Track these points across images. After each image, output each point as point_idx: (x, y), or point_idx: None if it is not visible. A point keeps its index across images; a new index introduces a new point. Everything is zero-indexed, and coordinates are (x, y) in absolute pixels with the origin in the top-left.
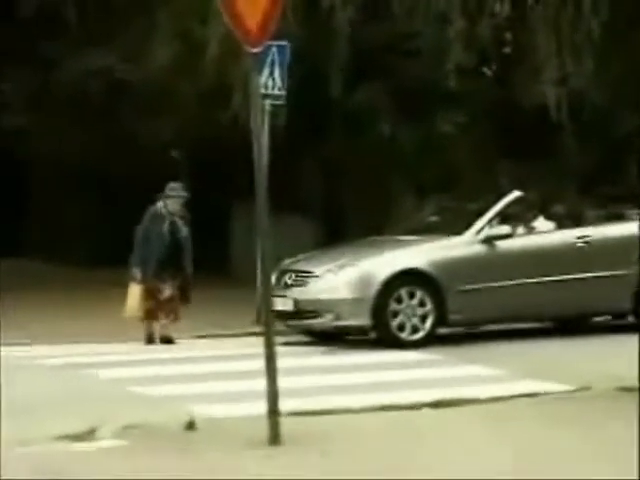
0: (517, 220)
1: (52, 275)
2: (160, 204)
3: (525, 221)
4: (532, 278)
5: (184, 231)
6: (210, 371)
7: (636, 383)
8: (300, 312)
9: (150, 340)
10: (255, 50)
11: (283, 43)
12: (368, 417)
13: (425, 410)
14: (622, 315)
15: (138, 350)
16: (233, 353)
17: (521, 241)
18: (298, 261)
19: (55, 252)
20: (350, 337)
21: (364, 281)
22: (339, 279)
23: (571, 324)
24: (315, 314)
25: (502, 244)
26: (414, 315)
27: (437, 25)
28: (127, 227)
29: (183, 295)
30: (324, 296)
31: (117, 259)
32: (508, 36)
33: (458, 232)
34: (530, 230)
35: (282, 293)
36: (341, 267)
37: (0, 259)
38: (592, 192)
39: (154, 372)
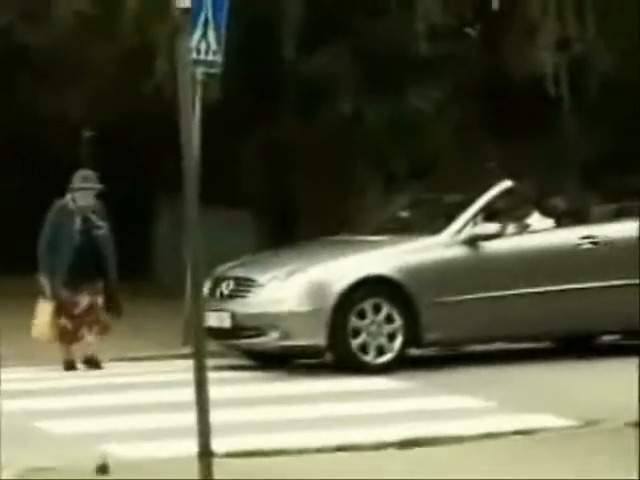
0: (507, 216)
1: None
2: (68, 197)
3: (517, 217)
4: (525, 288)
5: (102, 228)
6: (128, 403)
7: None
8: (239, 329)
9: (70, 366)
10: (184, 4)
11: None
12: (321, 460)
13: (391, 451)
14: (636, 333)
15: (51, 377)
16: (158, 380)
17: (512, 242)
18: (237, 266)
19: None
20: (301, 360)
21: (318, 291)
22: (287, 289)
23: (575, 345)
24: (258, 332)
25: (488, 246)
26: (380, 333)
27: None
28: (26, 227)
29: (110, 305)
30: (269, 309)
31: (17, 265)
32: None
33: (435, 231)
34: (523, 228)
35: (217, 306)
36: (290, 274)
37: None
38: (599, 182)
39: (65, 404)
